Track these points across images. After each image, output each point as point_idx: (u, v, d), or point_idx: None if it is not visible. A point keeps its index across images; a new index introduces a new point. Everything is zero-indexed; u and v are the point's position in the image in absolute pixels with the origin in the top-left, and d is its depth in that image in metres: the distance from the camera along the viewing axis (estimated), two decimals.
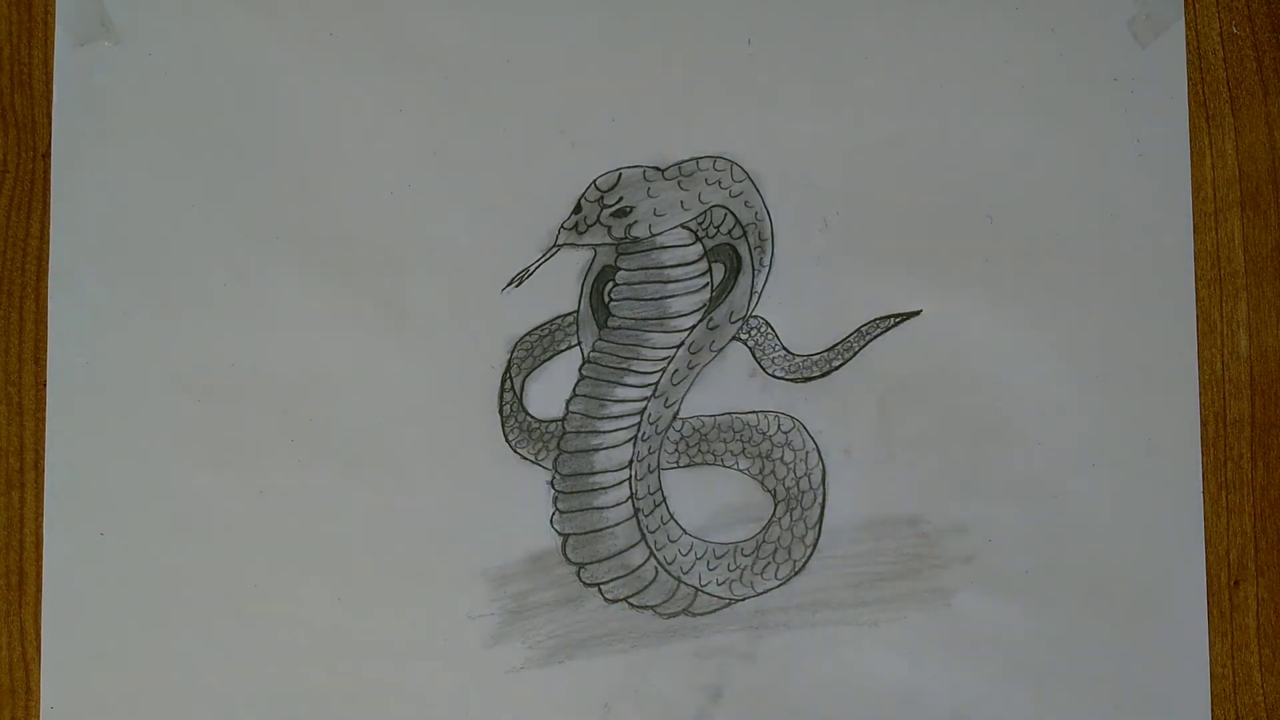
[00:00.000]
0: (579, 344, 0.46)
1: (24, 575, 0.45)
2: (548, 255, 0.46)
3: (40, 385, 0.46)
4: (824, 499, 0.46)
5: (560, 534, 0.45)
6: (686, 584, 0.45)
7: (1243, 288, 0.47)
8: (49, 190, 0.46)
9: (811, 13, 0.47)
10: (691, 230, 0.46)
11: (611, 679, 0.45)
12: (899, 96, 0.47)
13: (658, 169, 0.46)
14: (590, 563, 0.45)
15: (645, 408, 0.46)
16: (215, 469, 0.45)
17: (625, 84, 0.46)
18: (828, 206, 0.46)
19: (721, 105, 0.46)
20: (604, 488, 0.45)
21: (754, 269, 0.46)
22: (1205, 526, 0.46)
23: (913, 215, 0.46)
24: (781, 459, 0.46)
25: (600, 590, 0.45)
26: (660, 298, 0.46)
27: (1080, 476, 0.46)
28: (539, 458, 0.45)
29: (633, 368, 0.46)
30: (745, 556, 0.46)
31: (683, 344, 0.46)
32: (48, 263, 0.46)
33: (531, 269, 0.46)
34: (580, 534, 0.45)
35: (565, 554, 0.45)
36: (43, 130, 0.46)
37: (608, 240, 0.46)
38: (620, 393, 0.46)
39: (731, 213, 0.46)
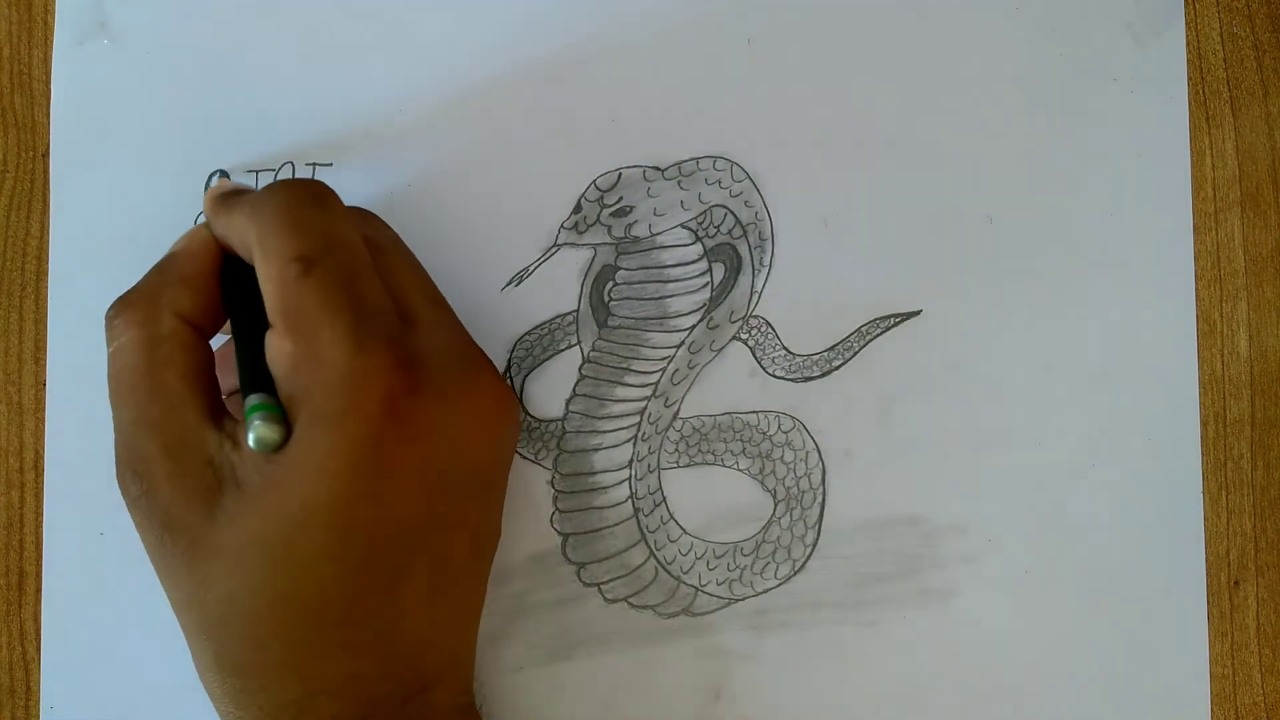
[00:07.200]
0: (579, 344, 0.46)
1: (24, 575, 0.45)
2: (548, 255, 0.46)
3: (40, 385, 0.46)
4: (824, 499, 0.46)
5: (560, 534, 0.45)
6: (686, 584, 0.45)
7: (1243, 288, 0.47)
8: (49, 190, 0.46)
9: (811, 13, 0.47)
10: (691, 230, 0.46)
11: (611, 679, 0.45)
12: (899, 96, 0.47)
13: (658, 169, 0.46)
14: (590, 563, 0.45)
15: (645, 407, 0.45)
16: None
17: (625, 84, 0.46)
18: (828, 206, 0.46)
19: (721, 105, 0.46)
20: (604, 488, 0.45)
21: (754, 269, 0.46)
22: (1205, 526, 0.46)
23: (913, 215, 0.46)
24: (781, 459, 0.46)
25: (600, 590, 0.45)
26: (660, 297, 0.46)
27: (1080, 476, 0.46)
28: (539, 457, 0.45)
29: (633, 367, 0.46)
30: (745, 556, 0.46)
31: (683, 344, 0.46)
32: (48, 263, 0.46)
33: (531, 269, 0.46)
34: (580, 534, 0.45)
35: (565, 554, 0.45)
36: (43, 130, 0.46)
37: (608, 240, 0.46)
38: (620, 392, 0.46)
39: (731, 212, 0.46)
